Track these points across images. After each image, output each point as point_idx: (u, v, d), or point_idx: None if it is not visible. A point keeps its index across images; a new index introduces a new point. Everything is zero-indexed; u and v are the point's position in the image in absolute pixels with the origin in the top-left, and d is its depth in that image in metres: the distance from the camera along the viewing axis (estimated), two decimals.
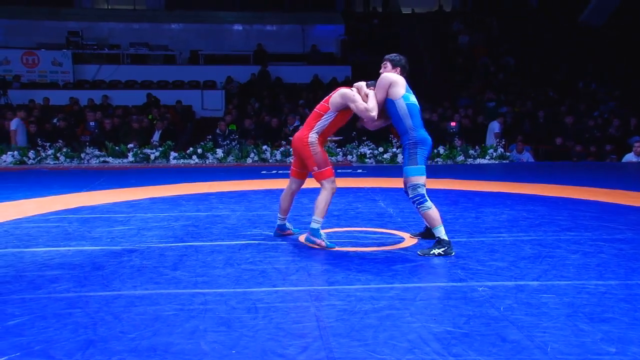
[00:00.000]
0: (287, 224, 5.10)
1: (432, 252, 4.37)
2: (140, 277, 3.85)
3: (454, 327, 2.96)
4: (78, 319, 3.09)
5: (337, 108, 4.65)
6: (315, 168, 4.63)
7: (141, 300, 3.38)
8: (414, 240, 4.88)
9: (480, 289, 3.57)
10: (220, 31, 19.68)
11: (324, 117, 4.66)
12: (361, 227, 5.45)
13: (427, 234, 4.83)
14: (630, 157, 11.33)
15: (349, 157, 12.06)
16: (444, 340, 2.80)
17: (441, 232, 4.41)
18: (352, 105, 4.58)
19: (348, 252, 4.54)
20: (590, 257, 4.32)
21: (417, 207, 4.47)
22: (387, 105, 4.57)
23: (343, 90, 4.67)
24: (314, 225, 4.63)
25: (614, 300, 3.35)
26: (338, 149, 12.10)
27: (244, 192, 7.78)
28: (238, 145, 12.19)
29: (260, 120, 13.78)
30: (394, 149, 12.01)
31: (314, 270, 4.04)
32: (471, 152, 12.03)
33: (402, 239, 4.93)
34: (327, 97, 4.75)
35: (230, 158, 11.95)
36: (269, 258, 4.34)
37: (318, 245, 4.60)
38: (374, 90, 4.62)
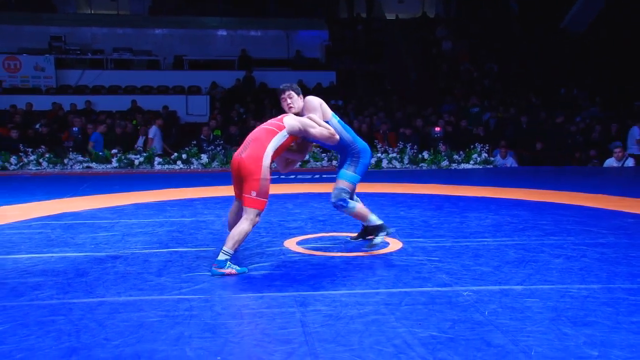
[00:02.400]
0: None
1: (375, 242, 4.60)
2: (124, 284, 3.82)
3: (439, 331, 2.97)
4: (61, 326, 3.06)
5: (291, 132, 4.33)
6: (254, 193, 4.08)
7: (125, 307, 3.36)
8: (399, 245, 4.89)
9: (465, 293, 3.58)
10: (204, 36, 19.64)
11: (278, 135, 4.26)
12: (346, 232, 5.45)
13: (363, 233, 4.99)
14: (611, 162, 11.47)
15: (334, 162, 12.07)
16: (429, 345, 2.81)
17: (374, 220, 4.60)
18: (313, 131, 4.38)
19: (333, 257, 4.54)
20: (573, 261, 4.36)
21: (342, 211, 4.63)
22: None
23: (299, 117, 4.45)
24: (222, 257, 4.04)
25: (596, 304, 3.38)
26: (323, 154, 12.10)
27: (228, 197, 7.72)
28: (223, 151, 12.16)
29: (245, 126, 13.75)
30: (379, 154, 12.04)
31: (299, 275, 4.04)
32: (455, 157, 12.09)
33: (387, 244, 4.94)
34: (278, 117, 4.45)
35: (215, 163, 11.90)
36: (254, 264, 4.33)
37: (228, 273, 4.01)
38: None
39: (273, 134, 4.26)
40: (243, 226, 4.10)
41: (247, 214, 4.12)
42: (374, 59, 19.12)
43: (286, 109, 4.58)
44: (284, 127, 4.31)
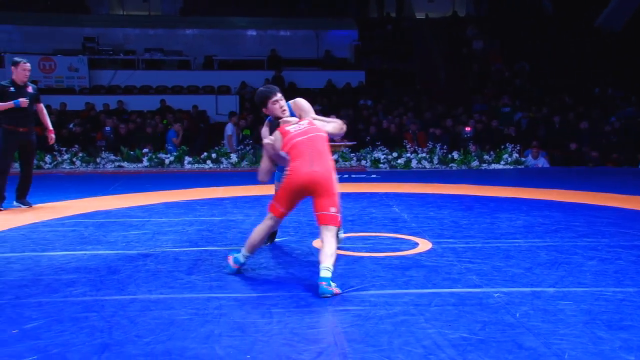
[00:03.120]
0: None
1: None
2: (155, 282, 3.87)
3: (469, 333, 2.94)
4: (94, 323, 3.10)
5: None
6: (333, 209, 3.76)
7: (156, 305, 3.40)
8: (429, 245, 4.85)
9: (496, 295, 3.54)
10: (234, 36, 19.76)
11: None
12: (375, 232, 5.43)
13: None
14: None
15: (363, 162, 12.04)
16: (459, 346, 2.78)
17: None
18: (329, 128, 4.20)
19: (362, 257, 4.53)
20: (608, 263, 4.27)
21: None
22: None
23: (318, 121, 4.25)
24: (328, 274, 3.57)
25: (632, 307, 3.31)
26: (352, 154, 12.08)
27: (258, 196, 7.79)
28: (252, 150, 12.22)
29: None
30: (408, 154, 11.97)
31: None
32: (486, 157, 11.97)
33: (416, 244, 4.91)
34: (316, 128, 4.07)
35: (244, 163, 11.98)
36: (283, 263, 4.34)
37: (336, 293, 3.55)
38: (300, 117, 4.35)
39: (327, 144, 3.99)
40: (333, 245, 3.71)
41: (329, 231, 3.74)
42: (403, 58, 19.01)
43: (279, 112, 4.22)
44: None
